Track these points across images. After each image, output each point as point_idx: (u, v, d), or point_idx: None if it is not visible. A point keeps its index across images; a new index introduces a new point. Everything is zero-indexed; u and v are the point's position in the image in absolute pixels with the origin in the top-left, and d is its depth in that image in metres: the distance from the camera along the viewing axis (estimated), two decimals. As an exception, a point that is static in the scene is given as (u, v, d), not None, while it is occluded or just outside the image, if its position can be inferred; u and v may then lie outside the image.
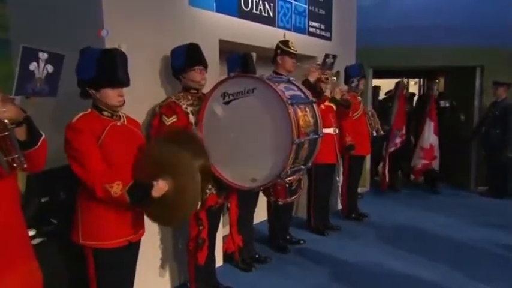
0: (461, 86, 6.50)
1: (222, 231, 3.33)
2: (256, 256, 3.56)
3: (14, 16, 2.92)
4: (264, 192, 3.49)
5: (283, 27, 4.04)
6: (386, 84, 7.33)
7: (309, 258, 3.70)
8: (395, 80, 6.18)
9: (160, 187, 1.97)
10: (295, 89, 2.78)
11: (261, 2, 3.73)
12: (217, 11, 3.27)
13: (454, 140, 6.12)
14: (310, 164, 2.87)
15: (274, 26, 3.93)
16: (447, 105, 6.15)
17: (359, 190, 5.16)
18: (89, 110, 2.02)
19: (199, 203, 2.61)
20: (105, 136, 1.96)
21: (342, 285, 3.18)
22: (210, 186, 2.63)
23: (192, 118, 2.61)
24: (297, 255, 3.76)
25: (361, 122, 4.61)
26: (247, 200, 3.28)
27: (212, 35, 3.22)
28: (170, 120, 2.54)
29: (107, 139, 1.96)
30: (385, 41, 5.84)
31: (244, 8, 3.56)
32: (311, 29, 4.53)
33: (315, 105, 2.79)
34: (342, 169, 4.73)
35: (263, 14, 3.78)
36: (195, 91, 2.71)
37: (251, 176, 2.56)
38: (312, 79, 3.64)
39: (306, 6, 4.42)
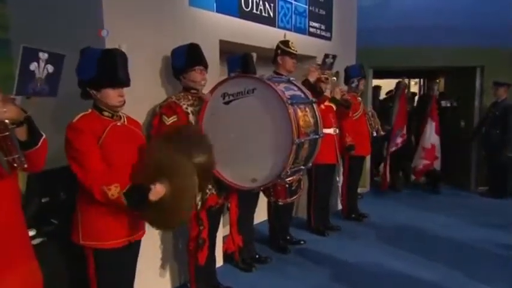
0: (462, 86, 6.50)
1: (222, 231, 3.33)
2: (257, 256, 3.56)
3: (14, 16, 2.92)
4: (264, 193, 3.49)
5: (284, 28, 4.04)
6: (386, 84, 7.33)
7: (309, 258, 3.70)
8: (395, 80, 6.18)
9: (157, 190, 1.95)
10: (295, 89, 2.78)
11: (261, 2, 3.73)
12: (217, 11, 3.27)
13: (454, 140, 6.12)
14: (310, 164, 2.87)
15: (275, 26, 3.93)
16: (448, 105, 6.15)
17: (359, 190, 5.15)
18: (90, 110, 2.02)
19: (199, 203, 2.62)
20: (105, 136, 1.96)
21: (342, 285, 3.18)
22: (210, 186, 2.64)
23: (192, 118, 2.62)
24: (297, 256, 3.76)
25: (361, 123, 4.61)
26: (248, 200, 3.27)
27: (212, 35, 3.22)
28: (170, 120, 2.54)
29: (108, 139, 1.96)
30: (386, 41, 5.83)
31: (245, 8, 3.56)
32: (311, 29, 4.53)
33: (315, 105, 2.79)
34: (342, 169, 4.73)
35: (263, 14, 3.78)
36: (195, 91, 2.71)
37: (251, 176, 2.57)
38: (312, 79, 3.64)
39: (306, 7, 4.42)
